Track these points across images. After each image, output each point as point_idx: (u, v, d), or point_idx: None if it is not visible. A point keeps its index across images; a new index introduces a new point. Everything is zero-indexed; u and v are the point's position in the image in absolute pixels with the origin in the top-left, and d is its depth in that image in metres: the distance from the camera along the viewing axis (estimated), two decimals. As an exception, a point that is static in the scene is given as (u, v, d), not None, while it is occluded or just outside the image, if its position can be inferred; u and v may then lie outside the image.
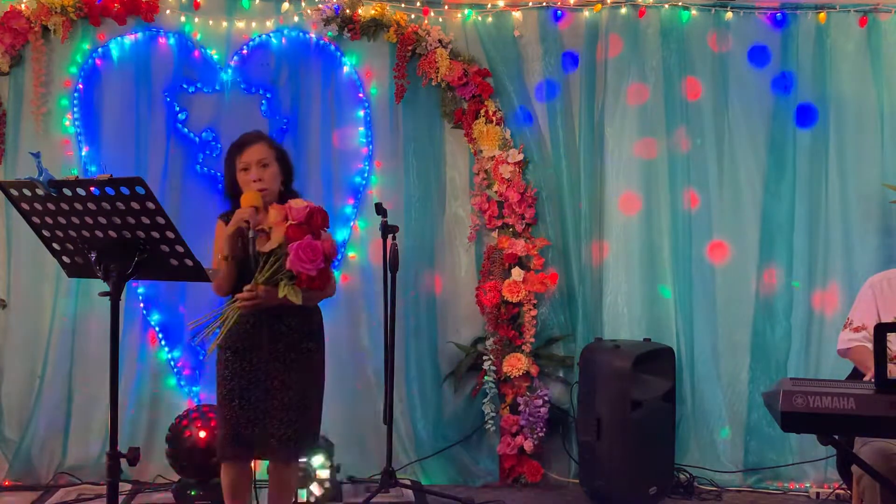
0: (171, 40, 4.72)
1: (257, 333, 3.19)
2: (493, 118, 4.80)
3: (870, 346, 3.24)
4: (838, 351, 3.44)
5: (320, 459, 4.30)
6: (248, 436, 3.18)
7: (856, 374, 3.36)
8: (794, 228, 4.85)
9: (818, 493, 4.60)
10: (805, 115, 4.87)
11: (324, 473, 4.30)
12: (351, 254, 4.85)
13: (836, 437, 2.64)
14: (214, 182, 4.72)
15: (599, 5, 4.89)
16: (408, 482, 4.56)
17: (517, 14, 4.91)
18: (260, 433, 3.18)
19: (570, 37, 4.94)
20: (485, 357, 4.81)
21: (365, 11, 4.79)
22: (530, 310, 4.80)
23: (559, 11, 4.92)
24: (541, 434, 4.73)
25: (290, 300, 3.00)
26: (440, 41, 4.80)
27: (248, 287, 3.07)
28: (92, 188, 2.39)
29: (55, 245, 2.59)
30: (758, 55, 4.91)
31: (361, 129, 4.87)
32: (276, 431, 3.16)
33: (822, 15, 4.85)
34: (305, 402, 3.21)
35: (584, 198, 4.90)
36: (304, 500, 4.25)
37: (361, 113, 4.86)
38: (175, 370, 4.69)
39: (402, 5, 4.87)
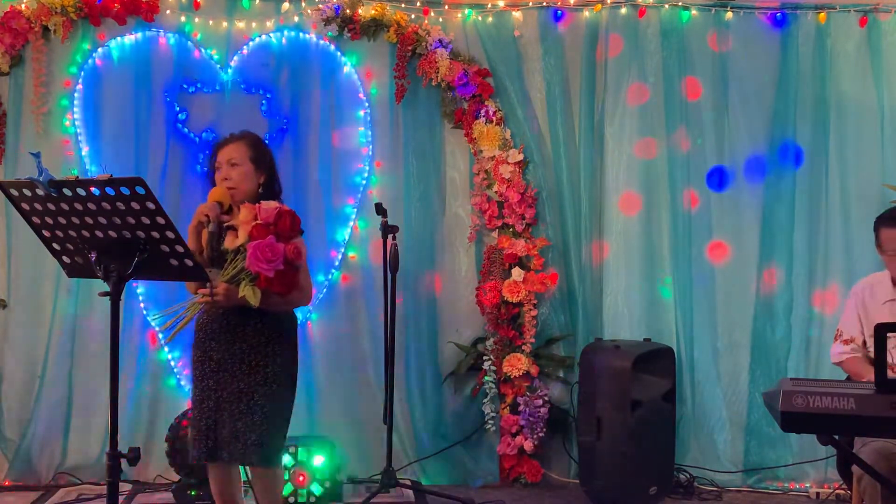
0: (171, 40, 4.72)
1: (221, 335, 3.16)
2: (493, 118, 4.80)
3: (860, 355, 3.26)
4: (832, 363, 3.45)
5: (321, 459, 4.31)
6: (218, 437, 3.15)
7: (856, 375, 3.37)
8: (794, 228, 4.85)
9: (818, 493, 4.60)
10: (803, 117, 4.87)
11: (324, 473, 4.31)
12: (351, 254, 4.85)
13: (836, 437, 2.64)
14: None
15: (599, 5, 4.89)
16: (408, 482, 4.56)
17: (517, 14, 4.91)
18: (228, 435, 3.14)
19: (571, 37, 4.94)
20: (485, 357, 4.80)
21: (365, 11, 4.79)
22: (530, 310, 4.80)
23: (559, 11, 4.92)
24: (541, 434, 4.72)
25: (248, 301, 3.00)
26: (440, 41, 4.80)
27: (208, 284, 3.04)
28: (92, 188, 2.38)
29: (55, 245, 2.59)
30: (758, 55, 4.90)
31: (361, 129, 4.87)
32: (243, 435, 3.11)
33: (822, 15, 4.85)
34: (271, 406, 3.15)
35: (584, 198, 4.91)
36: (304, 500, 4.27)
37: (361, 113, 4.86)
38: (175, 370, 4.69)
39: (402, 5, 4.87)
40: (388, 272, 4.26)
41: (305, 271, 3.20)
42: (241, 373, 3.14)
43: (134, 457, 2.43)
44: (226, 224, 3.12)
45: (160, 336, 4.64)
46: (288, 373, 3.26)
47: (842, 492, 4.50)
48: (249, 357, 3.15)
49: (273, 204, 3.10)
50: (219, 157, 3.28)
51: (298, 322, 3.37)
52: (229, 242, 3.07)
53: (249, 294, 2.99)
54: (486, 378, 4.78)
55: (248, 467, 3.21)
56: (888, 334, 2.41)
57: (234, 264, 3.04)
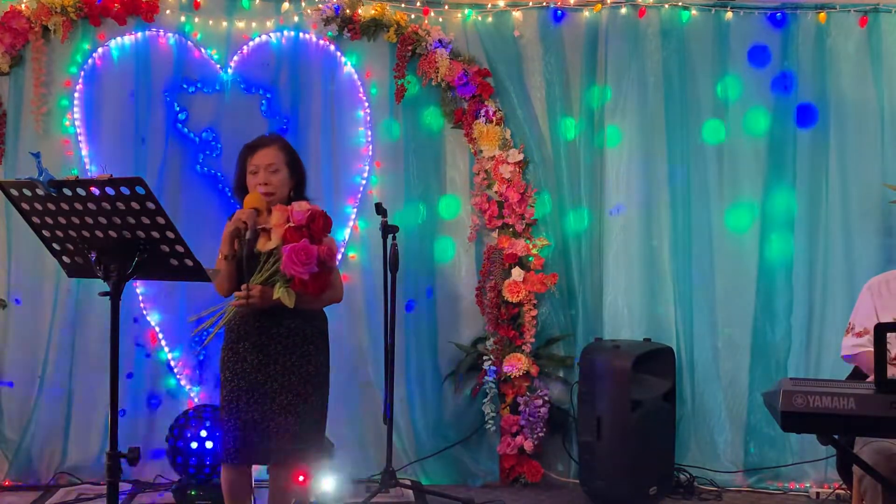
0: (171, 40, 4.72)
1: (255, 335, 3.19)
2: (493, 118, 4.80)
3: (872, 349, 3.24)
4: (843, 357, 3.43)
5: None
6: (249, 438, 3.18)
7: (856, 374, 3.36)
8: (794, 229, 4.85)
9: (818, 493, 4.60)
10: (805, 115, 4.88)
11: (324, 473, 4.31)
12: (351, 254, 4.85)
13: (836, 437, 2.64)
14: (214, 182, 4.72)
15: (599, 5, 4.89)
16: (408, 482, 4.56)
17: (517, 14, 4.91)
18: (259, 436, 3.17)
19: (571, 37, 4.94)
20: (485, 357, 4.81)
21: (365, 11, 4.79)
22: (530, 310, 4.80)
23: (559, 11, 4.92)
24: (541, 434, 4.73)
25: (283, 302, 3.03)
26: (440, 41, 4.80)
27: (244, 286, 3.08)
28: (92, 188, 2.38)
29: (55, 245, 2.59)
30: (758, 55, 4.90)
31: (361, 129, 4.87)
32: (275, 435, 3.15)
33: (822, 15, 4.85)
34: (304, 407, 3.19)
35: (584, 197, 4.91)
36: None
37: (361, 113, 4.86)
38: (175, 370, 4.69)
39: (402, 5, 4.87)
40: (388, 272, 4.26)
41: (335, 268, 3.23)
42: (276, 374, 3.18)
43: (134, 457, 2.43)
44: (258, 227, 3.15)
45: (158, 340, 4.64)
46: (322, 373, 3.31)
47: (842, 492, 4.50)
48: (284, 358, 3.19)
49: (304, 205, 3.12)
50: (254, 160, 3.28)
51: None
52: (262, 245, 3.10)
53: (284, 296, 3.04)
54: (486, 378, 4.78)
55: (269, 466, 3.23)
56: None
57: (268, 267, 3.07)
